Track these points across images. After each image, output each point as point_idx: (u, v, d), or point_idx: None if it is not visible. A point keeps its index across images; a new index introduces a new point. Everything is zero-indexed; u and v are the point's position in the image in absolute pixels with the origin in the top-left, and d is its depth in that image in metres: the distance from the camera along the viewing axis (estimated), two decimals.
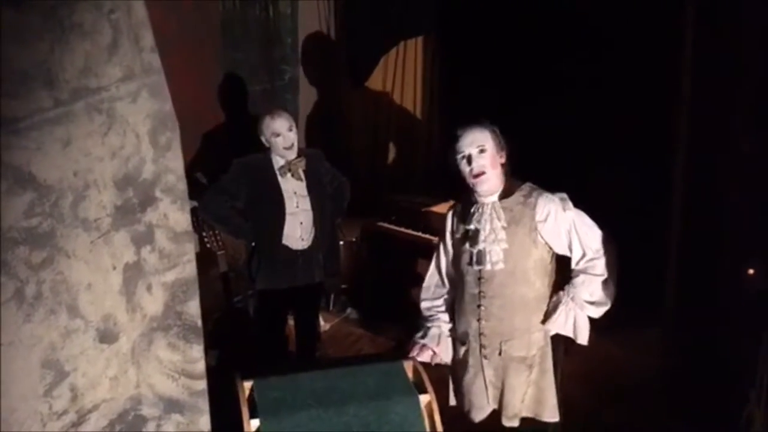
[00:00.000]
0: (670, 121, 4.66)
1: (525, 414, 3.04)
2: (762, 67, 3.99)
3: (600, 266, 2.92)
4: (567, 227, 2.90)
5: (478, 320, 2.97)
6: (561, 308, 2.95)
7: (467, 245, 2.96)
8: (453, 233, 3.07)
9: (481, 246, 2.91)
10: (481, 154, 2.87)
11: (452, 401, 3.20)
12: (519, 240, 2.89)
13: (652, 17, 4.75)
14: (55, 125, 1.80)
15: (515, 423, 3.04)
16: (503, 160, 2.93)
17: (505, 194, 2.93)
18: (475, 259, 2.93)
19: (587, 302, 2.94)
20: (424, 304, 3.19)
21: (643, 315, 4.76)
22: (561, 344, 3.08)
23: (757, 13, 3.90)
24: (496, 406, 3.07)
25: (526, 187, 2.95)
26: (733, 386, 3.64)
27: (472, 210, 2.97)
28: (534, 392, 3.03)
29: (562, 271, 3.03)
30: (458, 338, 3.09)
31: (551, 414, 3.03)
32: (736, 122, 4.21)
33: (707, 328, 4.22)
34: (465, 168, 2.89)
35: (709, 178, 4.36)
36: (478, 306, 2.96)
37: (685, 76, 4.50)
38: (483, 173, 2.87)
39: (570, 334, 2.98)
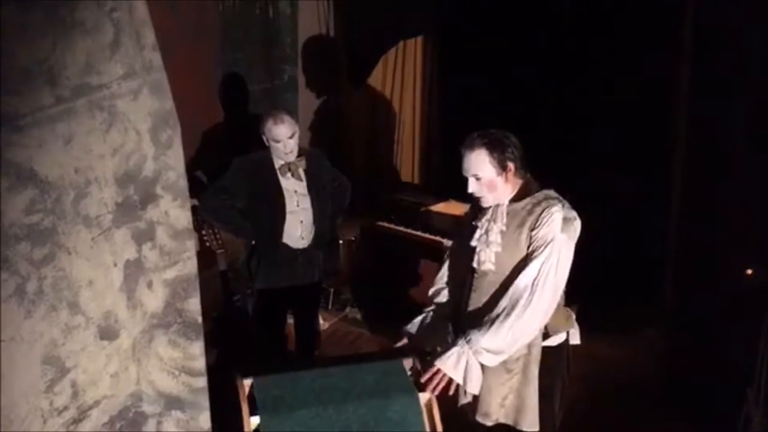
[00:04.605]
0: (669, 120, 4.67)
1: (504, 421, 2.95)
2: (762, 65, 4.00)
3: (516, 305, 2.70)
4: (540, 244, 2.73)
5: (461, 310, 2.98)
6: (454, 350, 2.76)
7: (468, 238, 2.96)
8: (467, 221, 3.07)
9: (474, 243, 2.91)
10: (477, 180, 2.84)
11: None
12: (513, 246, 2.82)
13: (651, 16, 4.77)
14: (57, 122, 1.80)
15: (488, 422, 2.97)
16: (510, 172, 2.82)
17: (517, 197, 2.86)
18: (468, 253, 2.95)
19: (485, 348, 2.72)
20: (431, 289, 3.19)
21: (642, 315, 4.77)
22: (564, 356, 3.05)
23: (757, 10, 3.91)
24: (470, 399, 3.01)
25: (541, 194, 2.84)
26: (731, 386, 3.65)
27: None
28: (514, 400, 2.93)
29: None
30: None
31: (530, 424, 2.92)
32: (734, 121, 4.22)
33: (705, 328, 4.23)
34: (468, 184, 2.88)
35: (707, 177, 4.38)
36: (466, 297, 2.96)
37: (684, 75, 4.51)
38: (481, 196, 2.88)
39: (459, 381, 2.77)
